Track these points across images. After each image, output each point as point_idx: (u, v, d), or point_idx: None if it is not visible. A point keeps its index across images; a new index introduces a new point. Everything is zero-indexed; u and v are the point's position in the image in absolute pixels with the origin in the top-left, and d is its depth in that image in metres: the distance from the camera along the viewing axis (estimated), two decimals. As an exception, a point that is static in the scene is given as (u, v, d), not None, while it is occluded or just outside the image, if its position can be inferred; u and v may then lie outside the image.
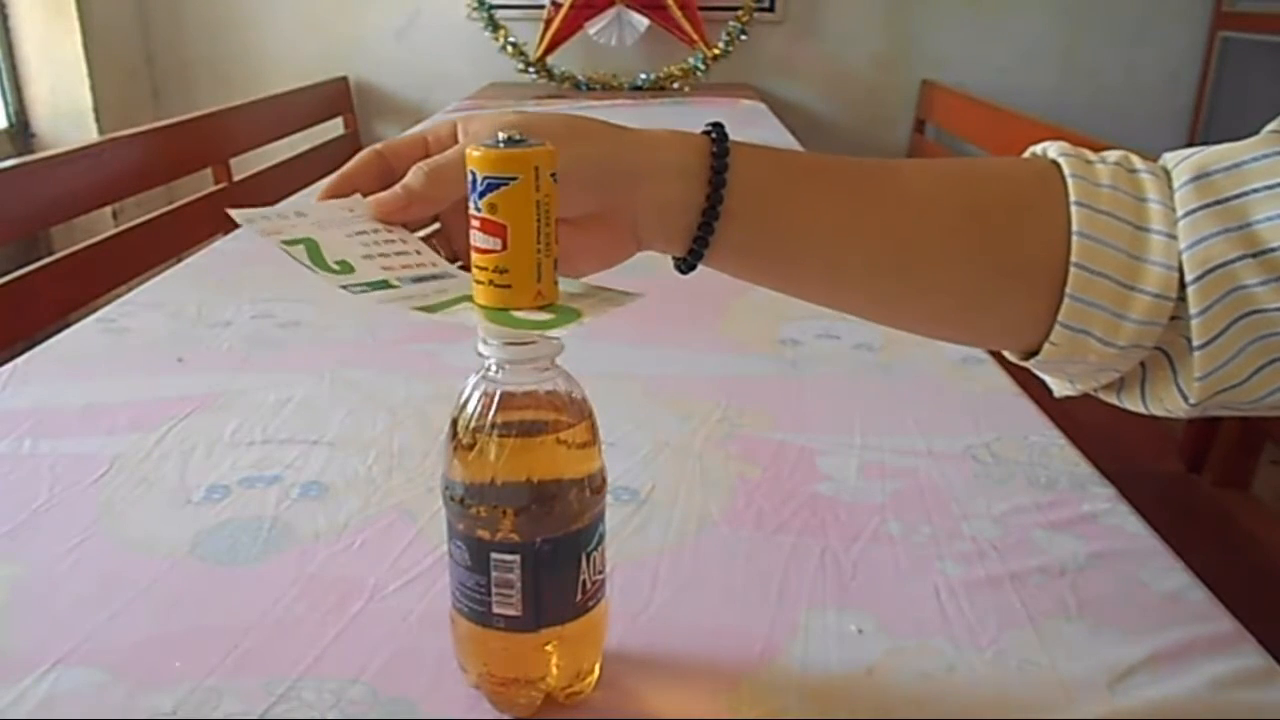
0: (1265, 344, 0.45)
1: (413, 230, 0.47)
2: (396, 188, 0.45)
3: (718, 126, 0.46)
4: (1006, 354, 0.53)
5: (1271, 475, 1.47)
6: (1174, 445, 1.30)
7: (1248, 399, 0.47)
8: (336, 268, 0.41)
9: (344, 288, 0.41)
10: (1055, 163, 0.48)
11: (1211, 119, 2.97)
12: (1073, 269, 0.46)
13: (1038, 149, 0.51)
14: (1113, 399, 0.53)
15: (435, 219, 0.48)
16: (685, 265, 0.48)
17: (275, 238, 0.41)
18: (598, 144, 0.45)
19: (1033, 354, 0.50)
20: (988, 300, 0.49)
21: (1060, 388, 0.54)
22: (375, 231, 0.44)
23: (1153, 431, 1.36)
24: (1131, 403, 0.52)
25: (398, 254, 0.44)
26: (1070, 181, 0.47)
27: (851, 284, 0.49)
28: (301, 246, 0.41)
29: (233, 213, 0.42)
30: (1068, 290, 0.46)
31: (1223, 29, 2.94)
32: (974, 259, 0.48)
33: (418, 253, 0.45)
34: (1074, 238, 0.46)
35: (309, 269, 0.41)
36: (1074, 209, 0.46)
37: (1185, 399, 0.48)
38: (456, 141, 0.46)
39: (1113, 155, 0.49)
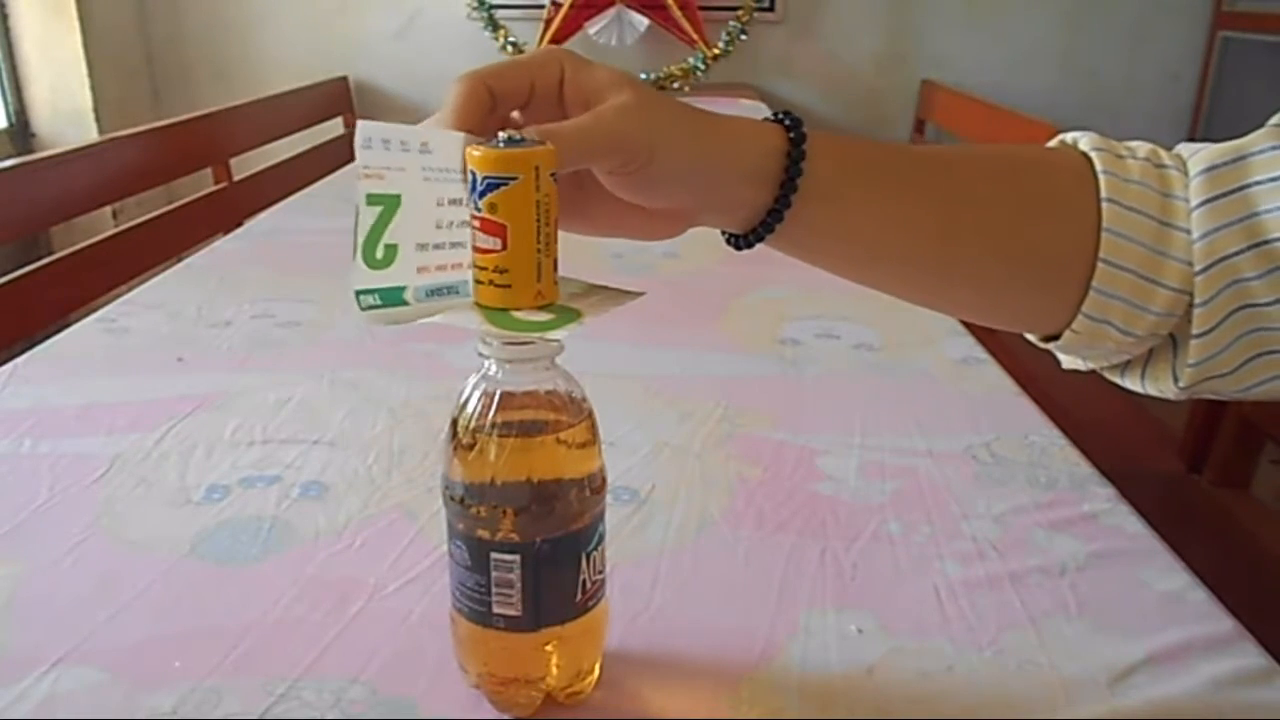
0: (1257, 337, 0.46)
1: None
2: None
3: (796, 125, 0.45)
4: (1028, 336, 0.54)
5: (1271, 475, 1.47)
6: (1174, 445, 1.30)
7: (1234, 387, 0.49)
8: (380, 256, 0.41)
9: (357, 293, 0.40)
10: (1087, 156, 0.49)
11: (1211, 119, 2.97)
12: (1099, 264, 0.47)
13: (1068, 138, 0.52)
14: (1115, 377, 0.54)
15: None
16: (737, 246, 0.48)
17: (370, 183, 0.40)
18: (704, 141, 0.43)
19: (1053, 337, 0.51)
20: (1020, 291, 0.50)
21: (1070, 363, 0.55)
22: (467, 204, 0.42)
23: (1153, 431, 1.36)
24: (1132, 382, 0.53)
25: (453, 245, 0.42)
26: (1102, 178, 0.48)
27: (893, 274, 0.50)
28: (378, 210, 0.40)
29: (361, 124, 0.40)
30: (1093, 284, 0.47)
31: (1223, 29, 2.94)
32: (1011, 256, 0.49)
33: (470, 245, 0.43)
34: (1102, 234, 0.47)
35: (354, 247, 0.40)
36: (1104, 205, 0.47)
37: (1176, 382, 0.49)
38: (560, 81, 0.43)
39: (1142, 149, 0.50)
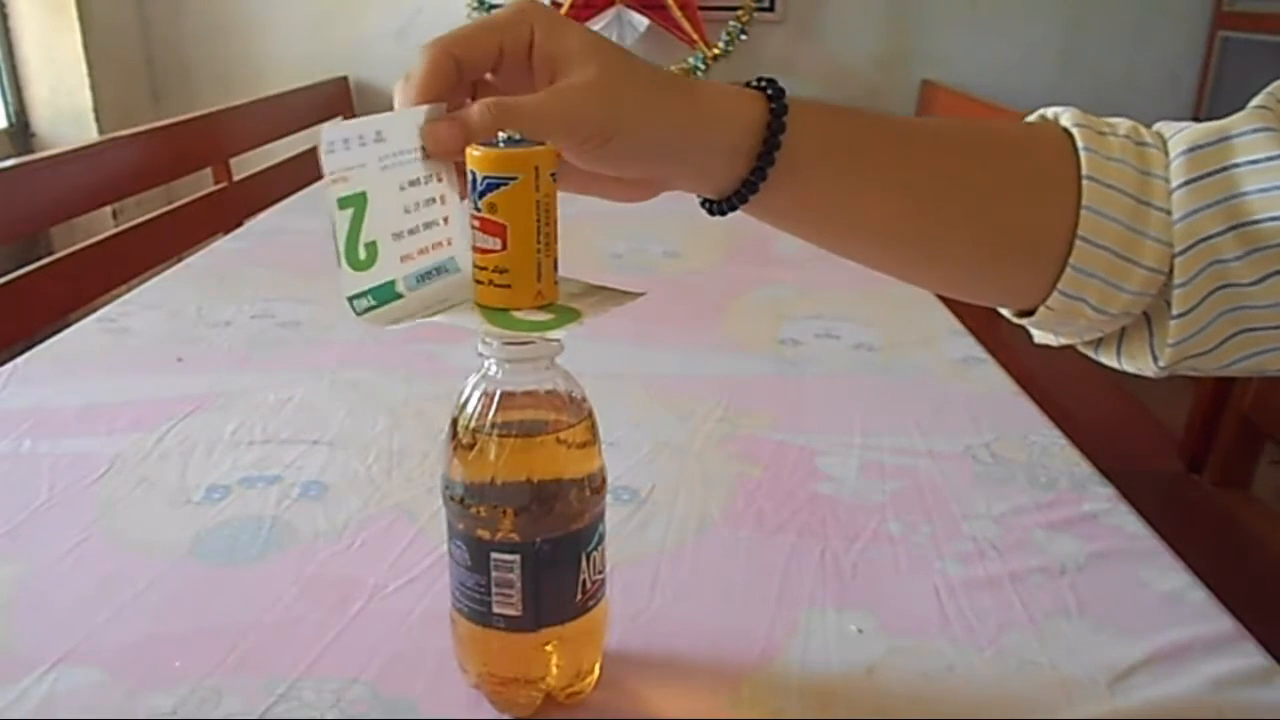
0: (1236, 315, 0.46)
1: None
2: (457, 122, 0.41)
3: (778, 94, 0.44)
4: (1002, 310, 0.54)
5: (1271, 475, 1.47)
6: (1174, 445, 1.30)
7: (1214, 365, 0.49)
8: (363, 256, 0.41)
9: (350, 299, 0.40)
10: (1069, 132, 0.49)
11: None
12: (1078, 241, 0.47)
13: (1049, 113, 0.52)
14: (1090, 352, 0.54)
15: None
16: (711, 212, 0.48)
17: (338, 187, 0.40)
18: (673, 117, 0.43)
19: (1027, 312, 0.51)
20: (999, 268, 0.50)
21: (1042, 338, 0.55)
22: (426, 181, 0.43)
23: (1153, 431, 1.36)
24: (1107, 358, 0.53)
25: (426, 226, 0.43)
26: (1083, 155, 0.47)
27: (874, 247, 0.50)
28: (350, 212, 0.40)
29: (325, 129, 0.39)
30: (1070, 261, 0.47)
31: (1223, 29, 2.93)
32: (991, 233, 0.49)
33: (444, 221, 0.44)
34: (1082, 211, 0.47)
35: (337, 255, 0.40)
36: (1085, 182, 0.47)
37: (1156, 360, 0.49)
38: (530, 44, 0.42)
39: (1123, 126, 0.50)
